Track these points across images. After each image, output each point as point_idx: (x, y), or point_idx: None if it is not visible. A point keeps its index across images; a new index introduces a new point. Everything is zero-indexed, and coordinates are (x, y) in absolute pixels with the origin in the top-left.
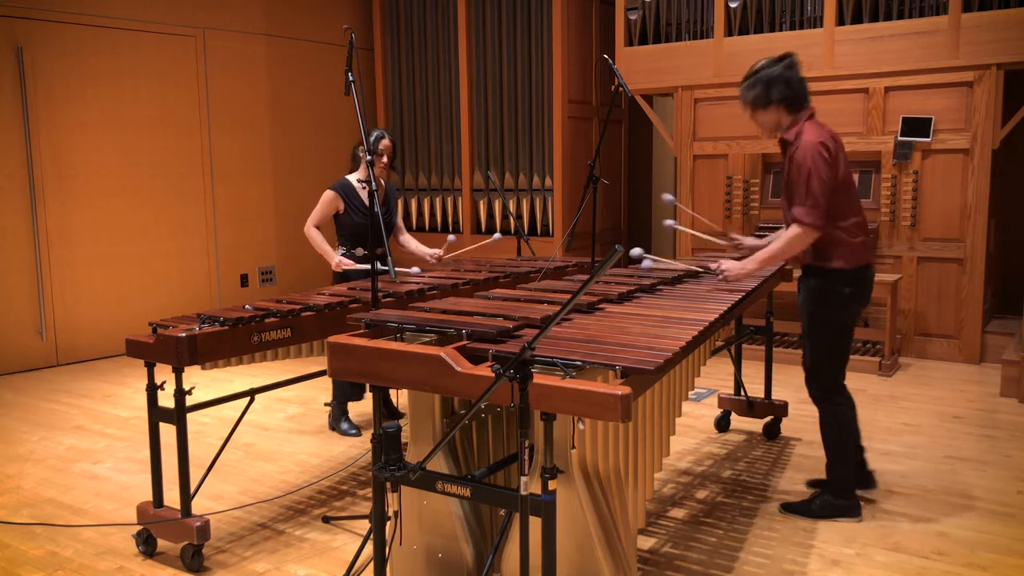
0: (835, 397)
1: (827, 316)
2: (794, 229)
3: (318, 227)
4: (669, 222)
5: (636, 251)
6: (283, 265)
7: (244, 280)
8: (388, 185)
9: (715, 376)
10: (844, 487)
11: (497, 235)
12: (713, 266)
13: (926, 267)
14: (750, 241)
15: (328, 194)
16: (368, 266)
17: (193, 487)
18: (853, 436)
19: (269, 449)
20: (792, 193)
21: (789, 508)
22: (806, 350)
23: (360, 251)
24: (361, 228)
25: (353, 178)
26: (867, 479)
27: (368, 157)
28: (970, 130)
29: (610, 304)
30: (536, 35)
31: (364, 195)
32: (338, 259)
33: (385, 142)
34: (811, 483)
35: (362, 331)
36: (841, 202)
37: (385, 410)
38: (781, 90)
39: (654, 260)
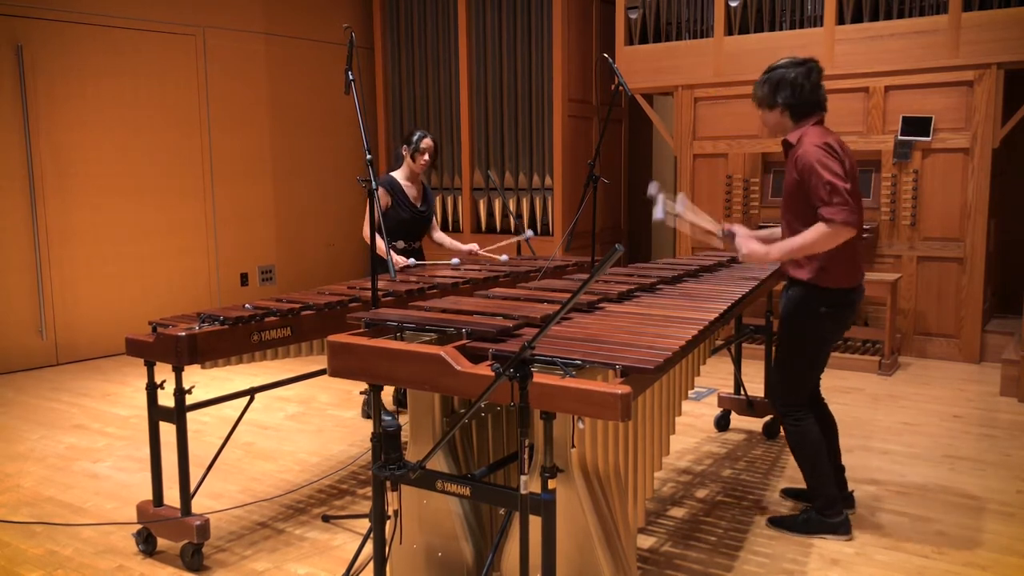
0: (795, 412)
1: (800, 328)
2: (822, 227)
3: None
4: (660, 215)
5: (654, 187)
6: (283, 264)
7: (244, 279)
8: (426, 185)
9: (715, 375)
10: (828, 504)
11: (529, 232)
12: (735, 236)
13: (926, 266)
14: (741, 229)
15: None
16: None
17: (193, 486)
18: (826, 451)
19: (269, 448)
20: (801, 203)
21: (775, 522)
22: (775, 361)
23: (401, 244)
24: (404, 224)
25: (399, 175)
26: (845, 500)
27: (369, 157)
28: (970, 129)
29: (610, 303)
30: (536, 35)
31: (410, 192)
32: (406, 262)
33: (427, 141)
34: (787, 492)
35: (362, 330)
36: None
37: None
38: (786, 95)
39: (676, 209)
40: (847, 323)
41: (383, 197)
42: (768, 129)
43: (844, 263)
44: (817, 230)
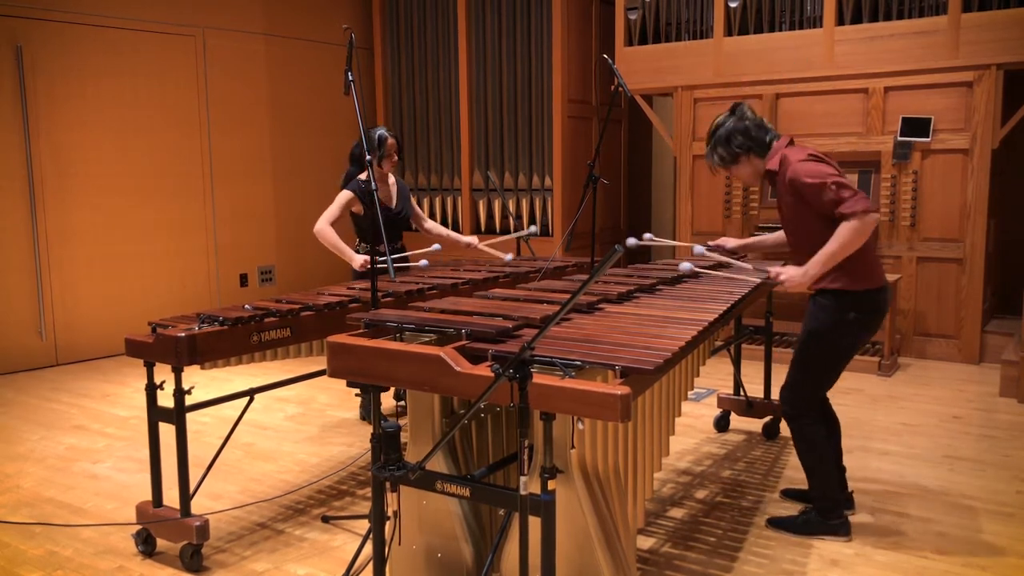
0: (806, 416)
1: (822, 337)
2: (848, 224)
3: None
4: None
5: (699, 248)
6: (283, 265)
7: (244, 280)
8: (400, 182)
9: (714, 376)
10: (830, 507)
11: (533, 228)
12: (772, 273)
13: (926, 267)
14: (731, 243)
15: (346, 195)
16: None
17: (192, 487)
18: (832, 454)
19: (268, 449)
20: (808, 220)
21: (775, 523)
22: (791, 363)
23: (382, 247)
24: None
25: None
26: (845, 501)
27: (368, 157)
28: (970, 130)
29: (610, 304)
30: (536, 35)
31: (381, 194)
32: (363, 260)
33: (390, 141)
34: (787, 493)
35: (362, 331)
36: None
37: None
38: (742, 142)
39: (715, 259)
40: (874, 328)
41: (355, 204)
42: (747, 181)
43: (865, 263)
44: (846, 228)
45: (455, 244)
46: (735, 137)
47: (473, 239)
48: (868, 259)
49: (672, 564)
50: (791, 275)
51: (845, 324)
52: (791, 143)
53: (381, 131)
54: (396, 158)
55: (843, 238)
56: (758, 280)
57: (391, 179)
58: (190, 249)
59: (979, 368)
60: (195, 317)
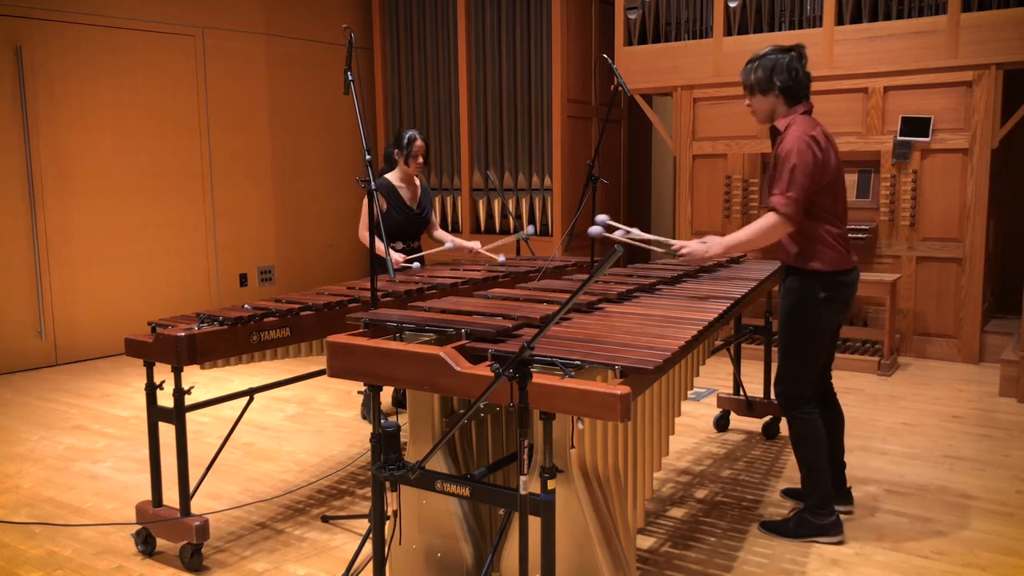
0: (802, 406)
1: (799, 319)
2: (769, 217)
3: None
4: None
5: (600, 218)
6: (282, 265)
7: (243, 280)
8: (424, 186)
9: (714, 376)
10: (821, 504)
11: (531, 228)
12: (675, 246)
13: (925, 267)
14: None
15: None
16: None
17: (192, 486)
18: (827, 449)
19: (268, 448)
20: (774, 182)
21: (768, 527)
22: (779, 353)
23: (400, 245)
24: (400, 225)
25: (393, 178)
26: (844, 496)
27: (368, 157)
28: (969, 130)
29: (609, 303)
30: (536, 35)
31: (405, 194)
32: (398, 258)
33: (418, 143)
34: (787, 493)
35: (361, 330)
36: (829, 204)
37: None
38: (784, 79)
39: (617, 231)
40: (845, 307)
41: (380, 201)
42: (758, 116)
43: (835, 248)
44: (761, 221)
45: (459, 249)
46: (782, 72)
47: (475, 244)
48: (839, 244)
49: (672, 564)
50: (693, 249)
51: (814, 301)
52: (808, 112)
53: (411, 132)
54: (422, 160)
55: (756, 229)
56: (660, 249)
57: (417, 181)
58: (190, 249)
59: (979, 368)
60: (195, 317)
